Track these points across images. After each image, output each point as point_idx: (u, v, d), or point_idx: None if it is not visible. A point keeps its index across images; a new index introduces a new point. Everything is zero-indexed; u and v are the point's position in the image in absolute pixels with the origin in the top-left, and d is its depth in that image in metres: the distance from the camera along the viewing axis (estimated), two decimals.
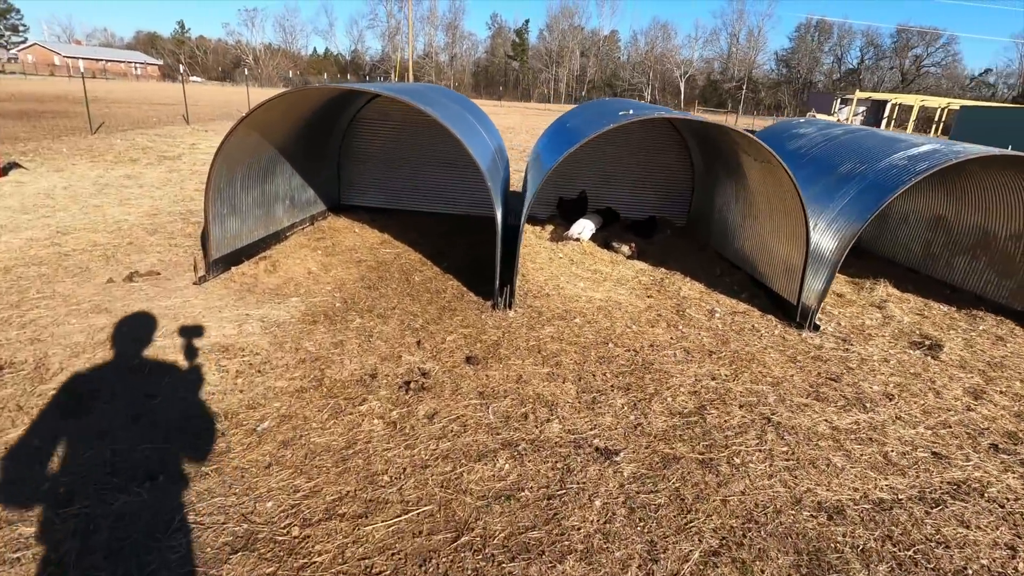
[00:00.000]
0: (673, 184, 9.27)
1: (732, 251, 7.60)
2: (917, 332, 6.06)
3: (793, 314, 6.03)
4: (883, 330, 6.10)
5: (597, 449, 3.66)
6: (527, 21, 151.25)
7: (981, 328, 6.30)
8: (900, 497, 3.45)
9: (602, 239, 8.22)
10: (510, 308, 5.75)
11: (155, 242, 7.10)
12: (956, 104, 38.87)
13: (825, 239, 5.86)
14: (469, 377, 4.44)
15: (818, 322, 5.93)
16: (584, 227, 7.96)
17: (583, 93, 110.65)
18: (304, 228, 8.02)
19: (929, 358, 5.46)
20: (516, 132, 27.72)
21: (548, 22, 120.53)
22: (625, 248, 7.71)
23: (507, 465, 3.44)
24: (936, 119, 42.04)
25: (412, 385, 4.23)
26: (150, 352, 4.44)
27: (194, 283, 5.82)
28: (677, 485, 3.38)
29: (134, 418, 3.64)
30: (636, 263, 7.51)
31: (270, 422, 3.70)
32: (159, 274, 6.02)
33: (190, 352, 4.49)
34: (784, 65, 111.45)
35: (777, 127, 8.78)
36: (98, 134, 16.76)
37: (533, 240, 8.14)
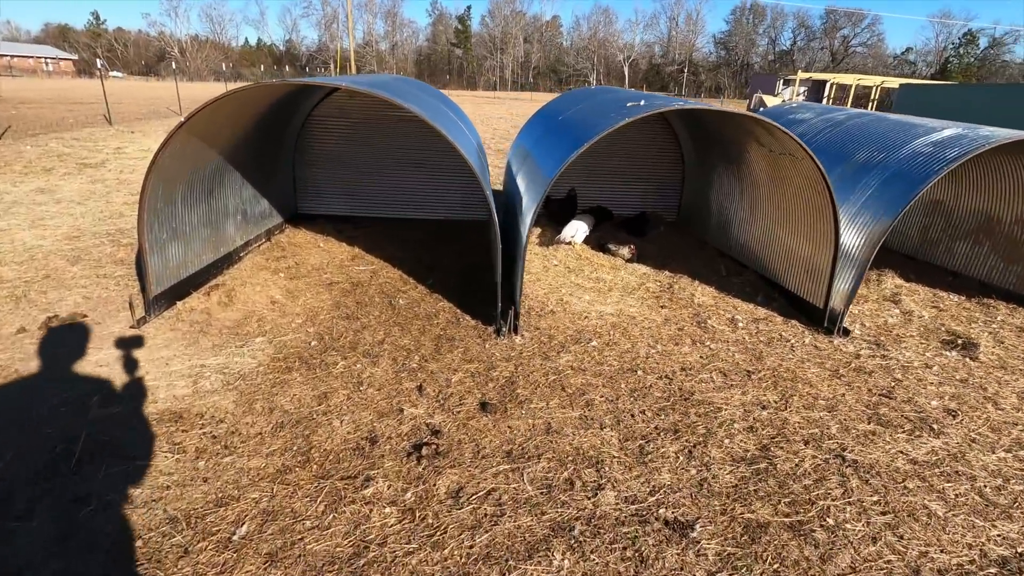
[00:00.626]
0: (662, 177, 8.70)
1: (736, 248, 7.08)
2: (943, 329, 5.69)
3: (818, 318, 5.55)
4: (909, 328, 5.71)
5: (667, 523, 2.99)
6: (469, 7, 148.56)
7: (1000, 319, 6.02)
8: (1019, 550, 2.95)
9: (595, 240, 7.56)
10: (516, 333, 5.01)
11: (78, 274, 5.94)
12: (892, 82, 40.34)
13: (850, 236, 5.38)
14: (489, 431, 3.68)
15: (847, 326, 5.48)
16: (577, 230, 7.27)
17: (528, 80, 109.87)
18: (260, 245, 6.99)
19: (968, 359, 5.08)
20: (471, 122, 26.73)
21: (490, 8, 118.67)
22: (624, 250, 7.08)
23: (566, 561, 2.72)
24: (872, 97, 43.61)
25: (424, 450, 3.43)
26: (78, 431, 3.45)
27: (131, 327, 4.78)
28: (775, 567, 2.75)
29: (60, 539, 2.70)
30: (638, 267, 6.90)
31: (249, 525, 2.84)
32: (85, 317, 4.93)
33: (132, 427, 3.53)
34: (722, 48, 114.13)
35: (770, 112, 8.32)
36: (3, 140, 14.77)
37: None
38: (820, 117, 7.22)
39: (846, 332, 5.42)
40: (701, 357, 4.85)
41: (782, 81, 45.77)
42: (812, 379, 4.59)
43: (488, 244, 7.03)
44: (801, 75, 43.08)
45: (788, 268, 6.05)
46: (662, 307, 5.84)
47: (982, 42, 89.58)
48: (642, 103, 4.98)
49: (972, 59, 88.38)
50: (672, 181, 8.72)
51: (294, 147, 7.91)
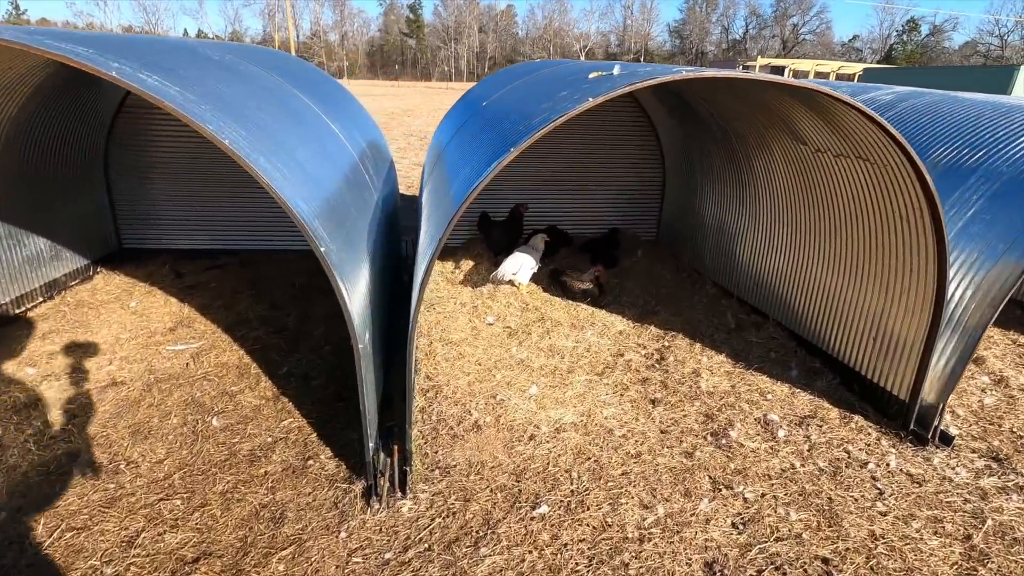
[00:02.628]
0: (636, 184, 6.55)
1: (747, 287, 5.00)
2: None
3: (896, 411, 3.52)
4: (1020, 412, 3.75)
5: None
6: None
7: None
8: None
9: (548, 274, 5.37)
10: (403, 493, 2.77)
11: None
12: (850, 68, 39.69)
13: (950, 285, 3.34)
14: None
15: (947, 428, 3.45)
16: (521, 265, 5.05)
17: (485, 70, 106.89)
18: (35, 308, 4.51)
19: None
20: (416, 115, 24.18)
21: None
22: (586, 282, 4.94)
23: None
24: None
25: None
26: None
27: None
28: None
29: None
30: (610, 317, 4.73)
31: None
32: None
33: None
34: (677, 36, 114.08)
35: None
36: None
37: (443, 288, 5.13)
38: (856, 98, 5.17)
39: (945, 438, 3.40)
40: (734, 526, 2.71)
41: (741, 68, 44.84)
42: (938, 570, 2.51)
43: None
44: (760, 61, 42.08)
45: (838, 328, 3.99)
46: (652, 402, 3.68)
47: (924, 29, 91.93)
48: (616, 71, 2.76)
49: (914, 46, 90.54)
50: (649, 189, 6.58)
51: (105, 150, 5.40)
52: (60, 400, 3.42)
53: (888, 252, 3.43)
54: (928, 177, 2.80)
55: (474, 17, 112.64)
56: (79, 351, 3.97)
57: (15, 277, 4.38)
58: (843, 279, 3.88)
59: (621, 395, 3.73)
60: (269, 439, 3.16)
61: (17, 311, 4.40)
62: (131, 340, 4.16)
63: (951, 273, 3.27)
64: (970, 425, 3.62)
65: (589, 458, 3.12)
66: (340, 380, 3.73)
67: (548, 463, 3.07)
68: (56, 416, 3.28)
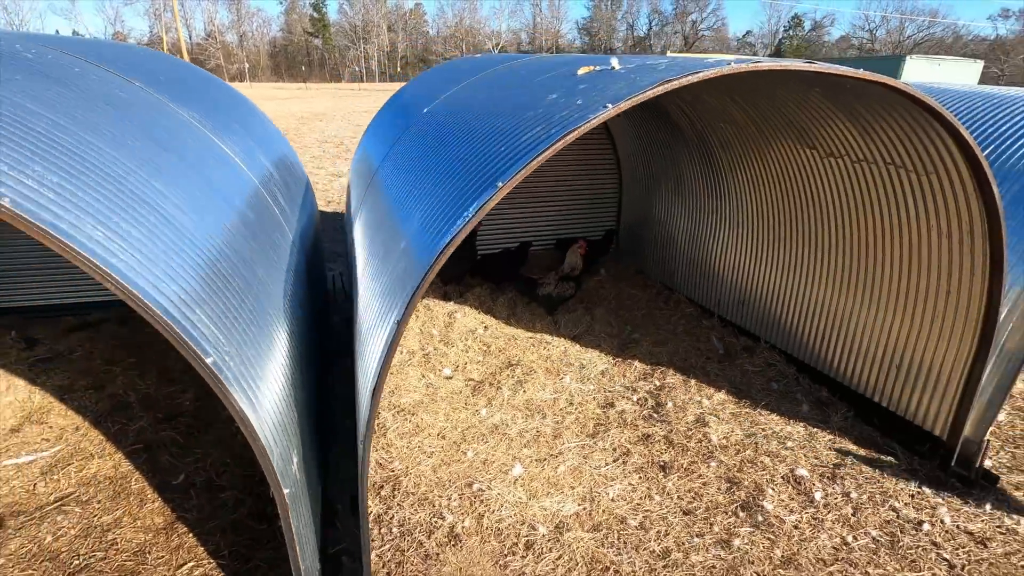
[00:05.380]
0: (591, 195, 5.92)
1: (730, 304, 4.49)
2: None
3: (927, 449, 3.08)
4: None
5: None
6: None
7: None
8: None
9: (508, 302, 4.62)
10: None
11: None
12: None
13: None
14: None
15: (990, 467, 3.04)
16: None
17: (397, 70, 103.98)
18: None
19: None
20: (329, 119, 22.54)
21: None
22: (553, 287, 4.29)
23: None
24: None
25: None
26: None
27: None
28: None
29: None
30: (588, 353, 4.04)
31: None
32: None
33: None
34: (586, 33, 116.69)
35: None
36: None
37: None
38: None
39: (990, 477, 2.99)
40: None
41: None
42: None
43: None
44: (671, 54, 43.40)
45: (849, 353, 3.51)
46: (663, 468, 3.02)
47: (807, 25, 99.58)
48: (616, 64, 2.04)
49: (800, 40, 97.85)
50: (604, 199, 5.97)
51: None
52: None
53: (917, 270, 2.96)
54: (995, 188, 2.30)
55: (382, 16, 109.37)
56: None
57: None
58: (854, 300, 3.40)
59: (624, 463, 3.05)
60: None
61: None
62: None
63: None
64: (996, 452, 3.25)
65: (607, 568, 2.41)
66: (260, 485, 2.79)
67: None
68: None
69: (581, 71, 2.13)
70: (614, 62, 2.07)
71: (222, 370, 1.44)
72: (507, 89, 2.44)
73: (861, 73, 2.09)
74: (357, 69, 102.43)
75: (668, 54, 42.71)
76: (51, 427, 3.22)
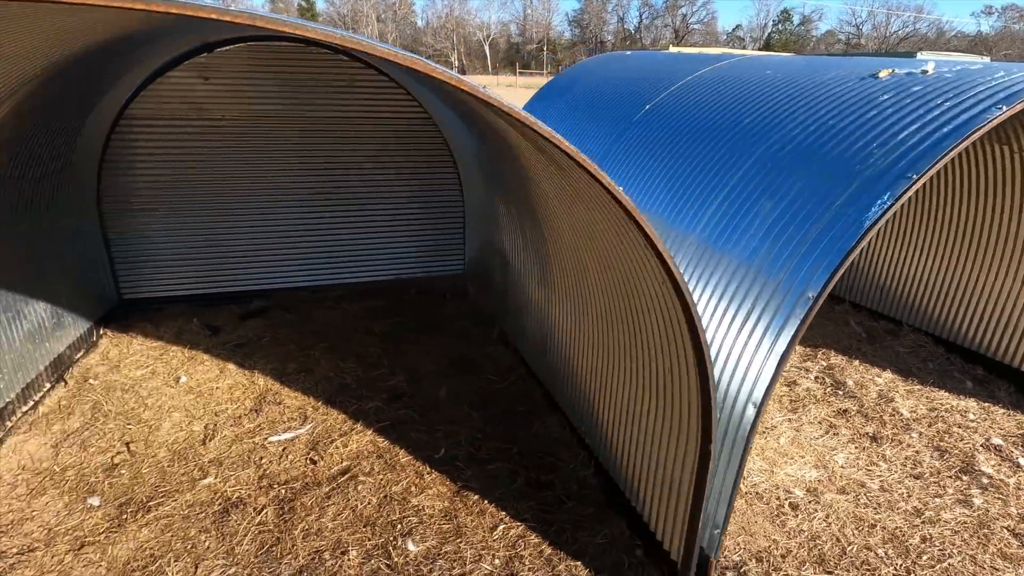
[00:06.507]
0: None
1: (864, 289, 4.77)
2: None
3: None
4: None
5: None
6: None
7: None
8: None
9: None
10: None
11: None
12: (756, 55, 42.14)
13: None
14: None
15: None
16: None
17: None
18: (47, 399, 3.31)
19: None
20: None
21: None
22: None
23: None
24: None
25: None
26: None
27: None
28: None
29: None
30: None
31: None
32: None
33: None
34: (576, 26, 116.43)
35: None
36: None
37: None
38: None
39: None
40: None
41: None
42: None
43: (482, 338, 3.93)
44: (672, 49, 43.68)
45: (1008, 333, 3.80)
46: (874, 439, 3.28)
47: (796, 19, 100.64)
48: (930, 69, 2.26)
49: (789, 35, 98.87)
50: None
51: (98, 178, 4.14)
52: (161, 526, 2.42)
53: None
54: None
55: (371, 6, 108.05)
56: (150, 460, 2.91)
57: (19, 362, 3.17)
58: (1005, 279, 3.69)
59: (835, 434, 3.31)
60: (496, 562, 2.40)
61: (24, 408, 3.19)
62: (213, 433, 3.14)
63: None
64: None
65: (874, 525, 2.67)
66: (518, 460, 3.00)
67: (837, 539, 2.57)
68: None
69: (882, 74, 2.36)
70: (930, 67, 2.29)
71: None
72: (837, 87, 2.44)
73: None
74: None
75: (672, 49, 42.95)
76: (288, 407, 3.38)
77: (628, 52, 5.57)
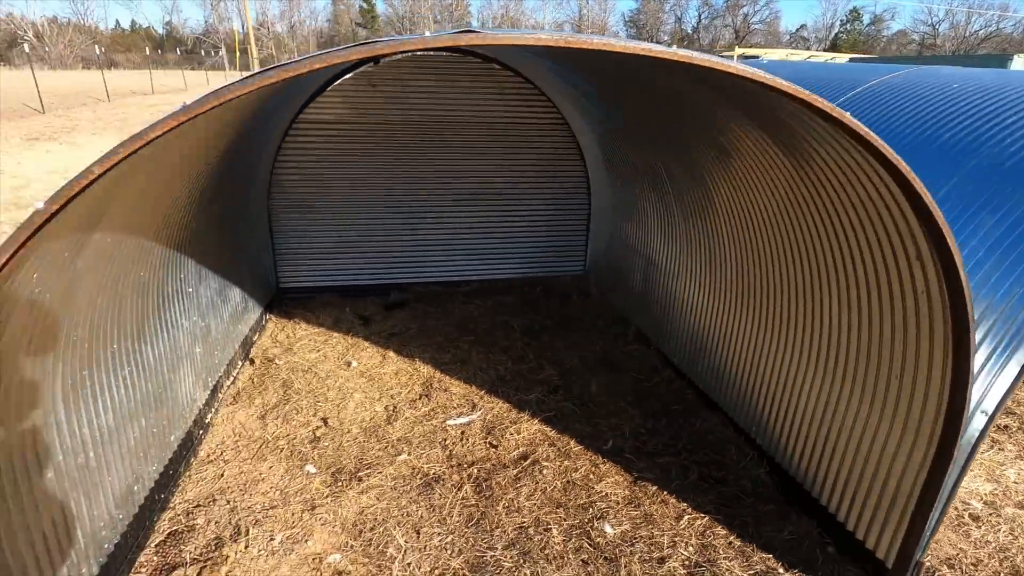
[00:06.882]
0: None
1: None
2: None
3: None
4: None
5: None
6: None
7: None
8: None
9: None
10: None
11: None
12: (821, 56, 40.66)
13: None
14: None
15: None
16: None
17: None
18: (235, 378, 3.69)
19: None
20: None
21: None
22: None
23: None
24: None
25: None
26: None
27: None
28: None
29: None
30: None
31: None
32: None
33: None
34: (632, 26, 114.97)
35: None
36: None
37: None
38: None
39: None
40: None
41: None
42: None
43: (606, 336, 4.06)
44: (738, 51, 42.62)
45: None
46: None
47: (866, 18, 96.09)
48: None
49: (858, 35, 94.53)
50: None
51: (270, 178, 4.54)
52: (386, 496, 2.69)
53: None
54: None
55: (428, 7, 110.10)
56: (346, 435, 3.21)
57: (226, 341, 3.54)
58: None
59: (1000, 449, 3.29)
60: (690, 548, 2.54)
61: (228, 382, 3.56)
62: (395, 414, 3.42)
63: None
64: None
65: None
66: (686, 455, 3.13)
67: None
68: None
69: None
70: None
71: None
72: None
73: None
74: None
75: (736, 50, 41.93)
76: (454, 394, 3.63)
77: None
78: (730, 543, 2.59)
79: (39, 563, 1.75)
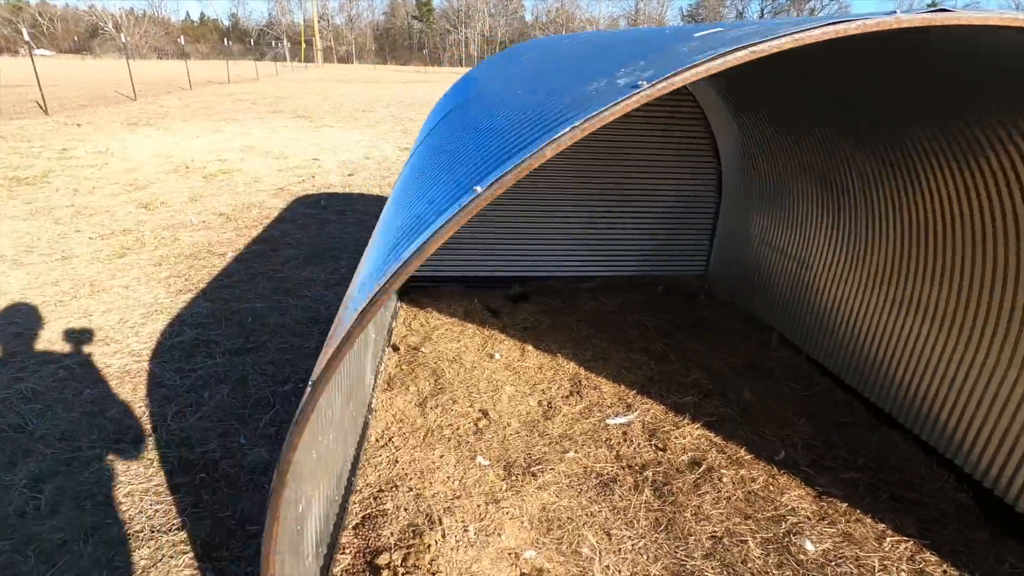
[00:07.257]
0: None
1: None
2: None
3: None
4: None
5: None
6: None
7: None
8: None
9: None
10: None
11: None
12: None
13: None
14: None
15: None
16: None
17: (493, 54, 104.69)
18: (386, 363, 3.73)
19: None
20: None
21: None
22: None
23: None
24: None
25: None
26: None
27: None
28: None
29: None
30: None
31: None
32: None
33: None
34: (691, 20, 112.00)
35: None
36: None
37: None
38: None
39: None
40: None
41: None
42: None
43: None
44: None
45: None
46: None
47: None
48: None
49: None
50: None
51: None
52: (572, 493, 2.64)
53: None
54: None
55: (484, 0, 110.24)
56: (506, 428, 3.18)
57: (380, 325, 3.58)
58: None
59: None
60: (902, 575, 2.39)
61: (380, 367, 3.60)
62: (550, 409, 3.37)
63: None
64: None
65: None
66: (871, 472, 2.96)
67: None
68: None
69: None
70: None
71: None
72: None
73: None
74: (455, 53, 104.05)
75: None
76: (605, 393, 3.56)
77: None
78: (944, 571, 2.42)
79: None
